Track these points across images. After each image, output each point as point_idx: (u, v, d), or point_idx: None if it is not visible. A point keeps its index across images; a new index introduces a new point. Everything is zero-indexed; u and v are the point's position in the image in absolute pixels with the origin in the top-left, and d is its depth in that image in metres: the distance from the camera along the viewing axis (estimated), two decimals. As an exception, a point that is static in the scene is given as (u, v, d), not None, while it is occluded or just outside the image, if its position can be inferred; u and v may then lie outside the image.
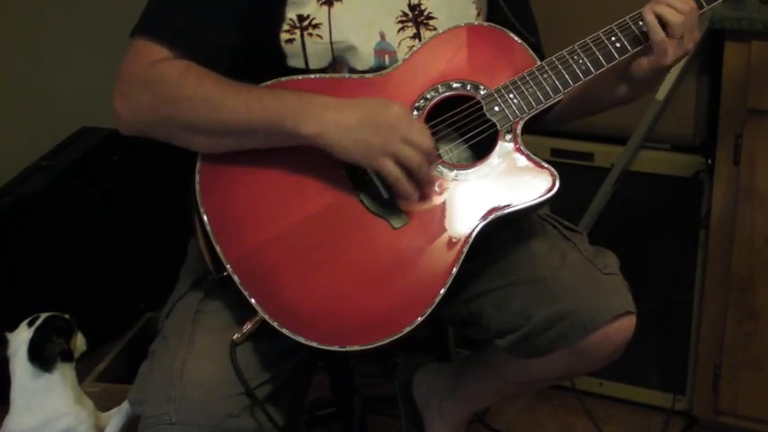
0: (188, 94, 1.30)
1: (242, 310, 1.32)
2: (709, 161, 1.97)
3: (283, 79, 1.37)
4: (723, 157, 1.91)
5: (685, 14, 1.39)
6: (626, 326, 1.41)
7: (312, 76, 1.39)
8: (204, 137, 1.32)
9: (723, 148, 1.91)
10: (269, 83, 1.36)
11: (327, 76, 1.39)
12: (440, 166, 1.37)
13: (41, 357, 1.71)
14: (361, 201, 1.35)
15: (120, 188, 2.51)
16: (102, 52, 2.35)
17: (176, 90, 1.30)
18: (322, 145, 1.29)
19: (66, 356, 1.74)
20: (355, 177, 1.35)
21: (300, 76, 1.38)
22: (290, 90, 1.33)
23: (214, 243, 1.31)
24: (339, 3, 1.40)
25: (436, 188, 1.36)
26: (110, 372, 2.11)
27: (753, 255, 1.93)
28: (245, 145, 1.32)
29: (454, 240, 1.33)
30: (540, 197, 1.36)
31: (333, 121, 1.28)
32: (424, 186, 1.33)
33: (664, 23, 1.39)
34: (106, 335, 2.28)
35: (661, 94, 1.97)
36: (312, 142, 1.29)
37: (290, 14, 1.39)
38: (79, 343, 1.79)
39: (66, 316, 1.78)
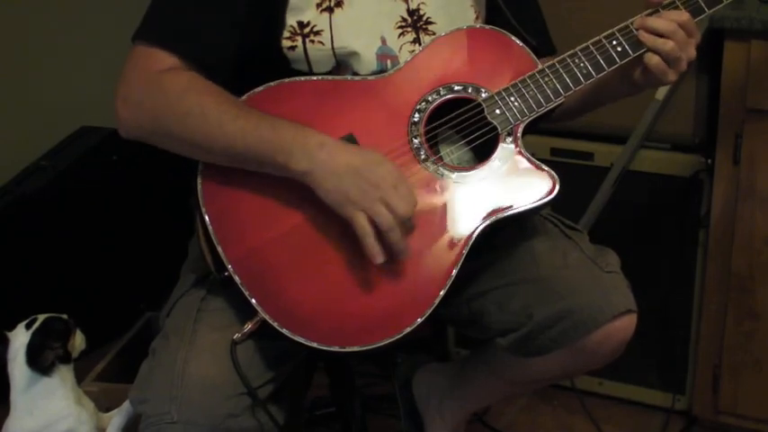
0: (187, 110, 1.30)
1: (244, 309, 1.32)
2: (709, 161, 1.97)
3: (287, 80, 1.37)
4: (723, 157, 1.91)
5: (676, 39, 1.36)
6: (627, 324, 1.41)
7: (315, 77, 1.39)
8: (201, 152, 1.33)
9: (723, 147, 1.91)
10: (272, 84, 1.36)
11: (330, 77, 1.40)
12: (440, 168, 1.37)
13: (39, 362, 1.70)
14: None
15: (120, 188, 2.51)
16: (103, 52, 2.35)
17: (176, 104, 1.31)
18: (307, 182, 1.28)
19: (64, 359, 1.74)
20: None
21: (303, 78, 1.38)
22: (288, 122, 1.31)
23: (215, 243, 1.31)
24: (339, 9, 1.40)
25: (437, 190, 1.36)
26: (109, 371, 2.11)
27: (753, 255, 1.93)
28: (238, 165, 1.32)
29: (454, 242, 1.34)
30: (540, 200, 1.36)
31: (323, 162, 1.27)
32: (391, 251, 1.29)
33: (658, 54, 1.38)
34: (106, 335, 2.28)
35: (661, 93, 1.97)
36: (298, 178, 1.28)
37: (291, 21, 1.39)
38: (78, 341, 1.78)
39: (64, 316, 1.77)
